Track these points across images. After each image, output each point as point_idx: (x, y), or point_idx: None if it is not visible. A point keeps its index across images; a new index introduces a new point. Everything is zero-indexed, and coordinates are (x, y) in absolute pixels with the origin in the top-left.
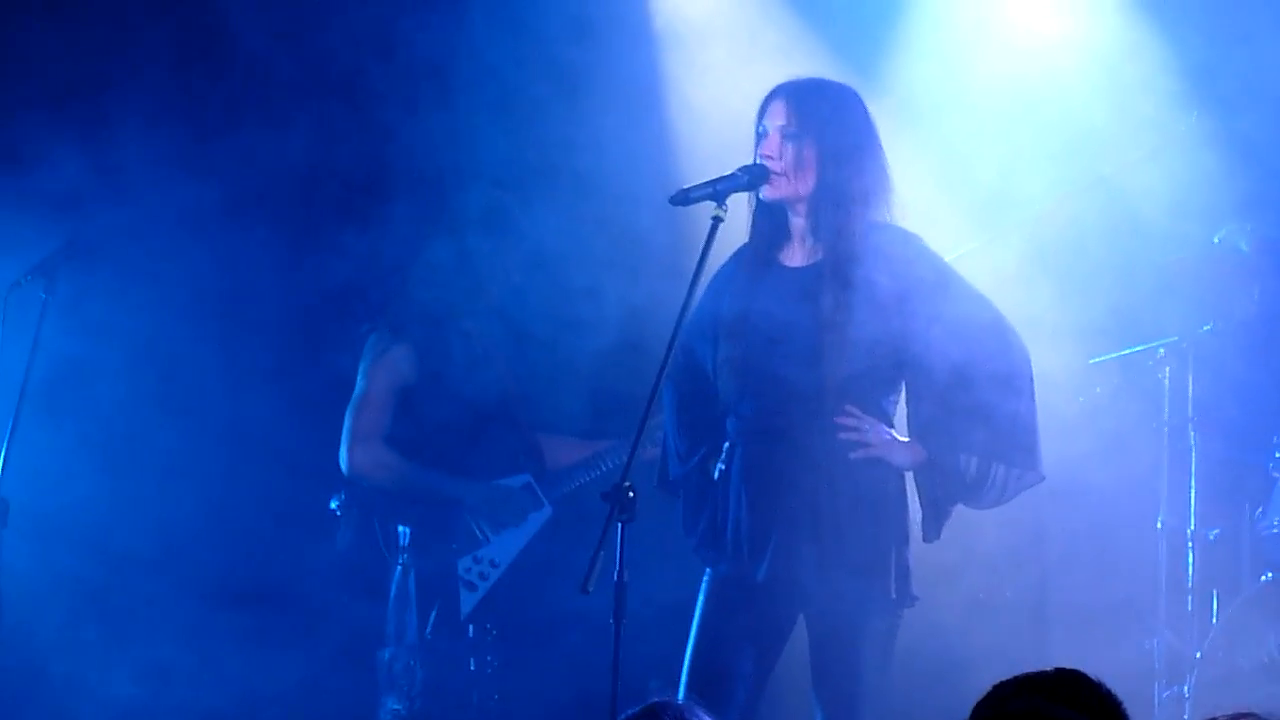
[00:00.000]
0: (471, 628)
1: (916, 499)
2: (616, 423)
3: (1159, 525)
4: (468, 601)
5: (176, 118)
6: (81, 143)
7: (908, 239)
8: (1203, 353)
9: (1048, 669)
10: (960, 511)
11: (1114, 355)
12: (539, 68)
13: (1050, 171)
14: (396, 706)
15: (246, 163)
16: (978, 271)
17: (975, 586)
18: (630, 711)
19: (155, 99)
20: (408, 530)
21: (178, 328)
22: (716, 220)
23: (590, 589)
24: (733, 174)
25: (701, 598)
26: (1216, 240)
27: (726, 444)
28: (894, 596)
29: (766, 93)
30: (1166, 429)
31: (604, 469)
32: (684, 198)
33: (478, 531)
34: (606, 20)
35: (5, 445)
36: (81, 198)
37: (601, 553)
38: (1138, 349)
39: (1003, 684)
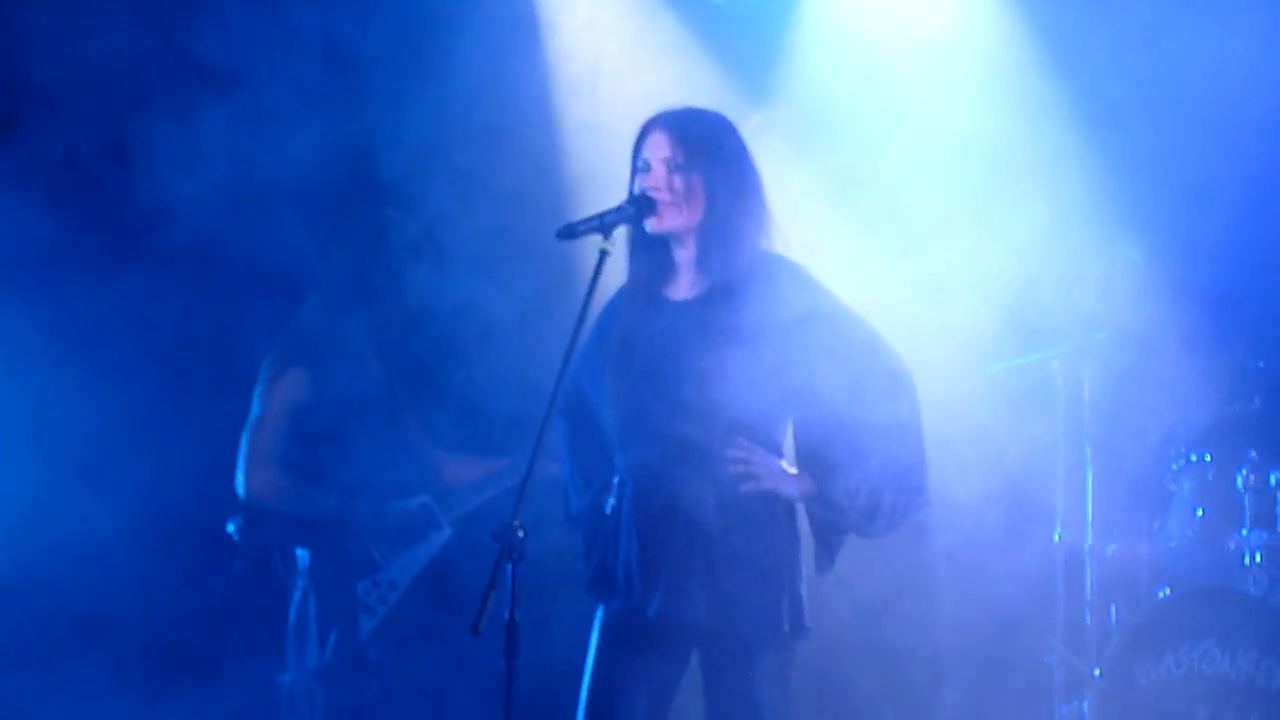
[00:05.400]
0: (372, 650)
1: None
2: (514, 441)
3: (1056, 539)
4: (367, 625)
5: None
6: None
7: (793, 269)
8: (1097, 365)
9: None
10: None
11: (1009, 364)
12: (428, 76)
13: (942, 186)
14: None
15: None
16: (870, 283)
17: (870, 602)
18: None
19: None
20: (306, 554)
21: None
22: (603, 254)
23: (481, 629)
24: (619, 206)
25: (594, 636)
26: (1111, 252)
27: (616, 479)
28: (787, 630)
29: (641, 125)
30: (1062, 442)
31: (502, 487)
32: (570, 231)
33: (375, 554)
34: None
35: None
36: None
37: (492, 592)
38: (1033, 358)
39: None
